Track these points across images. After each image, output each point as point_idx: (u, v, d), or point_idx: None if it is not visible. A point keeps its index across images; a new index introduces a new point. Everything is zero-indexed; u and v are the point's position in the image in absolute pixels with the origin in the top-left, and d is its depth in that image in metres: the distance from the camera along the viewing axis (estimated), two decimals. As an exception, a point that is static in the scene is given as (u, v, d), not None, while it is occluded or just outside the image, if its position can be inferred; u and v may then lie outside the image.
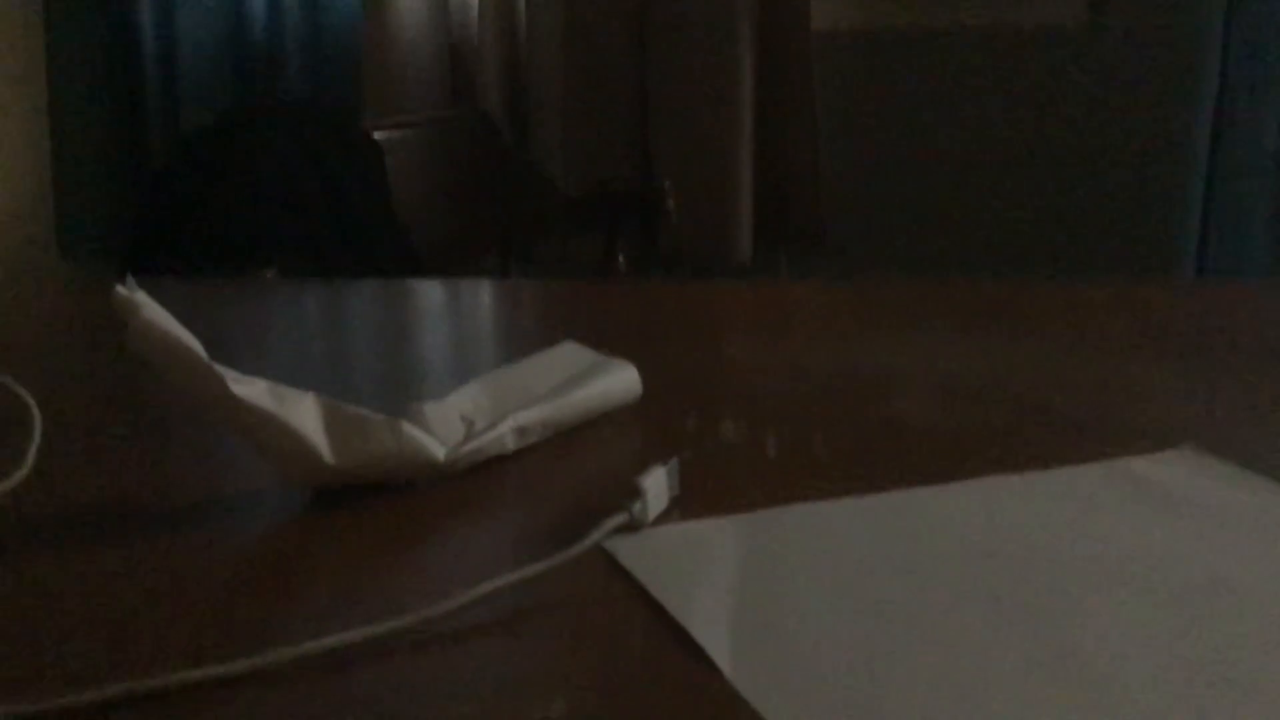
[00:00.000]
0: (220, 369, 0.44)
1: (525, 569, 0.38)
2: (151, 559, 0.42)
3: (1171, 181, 2.23)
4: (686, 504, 0.46)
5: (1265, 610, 0.38)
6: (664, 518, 0.45)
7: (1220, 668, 0.34)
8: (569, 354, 0.57)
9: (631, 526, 0.43)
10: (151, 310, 0.43)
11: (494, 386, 0.53)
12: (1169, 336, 0.69)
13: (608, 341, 0.66)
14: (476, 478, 0.48)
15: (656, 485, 0.45)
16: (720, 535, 0.43)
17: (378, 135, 1.52)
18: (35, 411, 0.50)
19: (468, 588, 0.37)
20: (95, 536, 0.43)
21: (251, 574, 0.40)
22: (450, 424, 0.50)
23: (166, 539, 0.43)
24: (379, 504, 0.46)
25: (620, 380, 0.56)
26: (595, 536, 0.41)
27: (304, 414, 0.45)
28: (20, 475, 0.47)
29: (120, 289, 0.43)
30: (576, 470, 0.50)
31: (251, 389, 0.44)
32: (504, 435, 0.50)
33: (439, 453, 0.47)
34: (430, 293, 0.84)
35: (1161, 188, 2.24)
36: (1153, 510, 0.45)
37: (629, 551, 0.42)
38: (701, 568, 0.40)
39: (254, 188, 1.35)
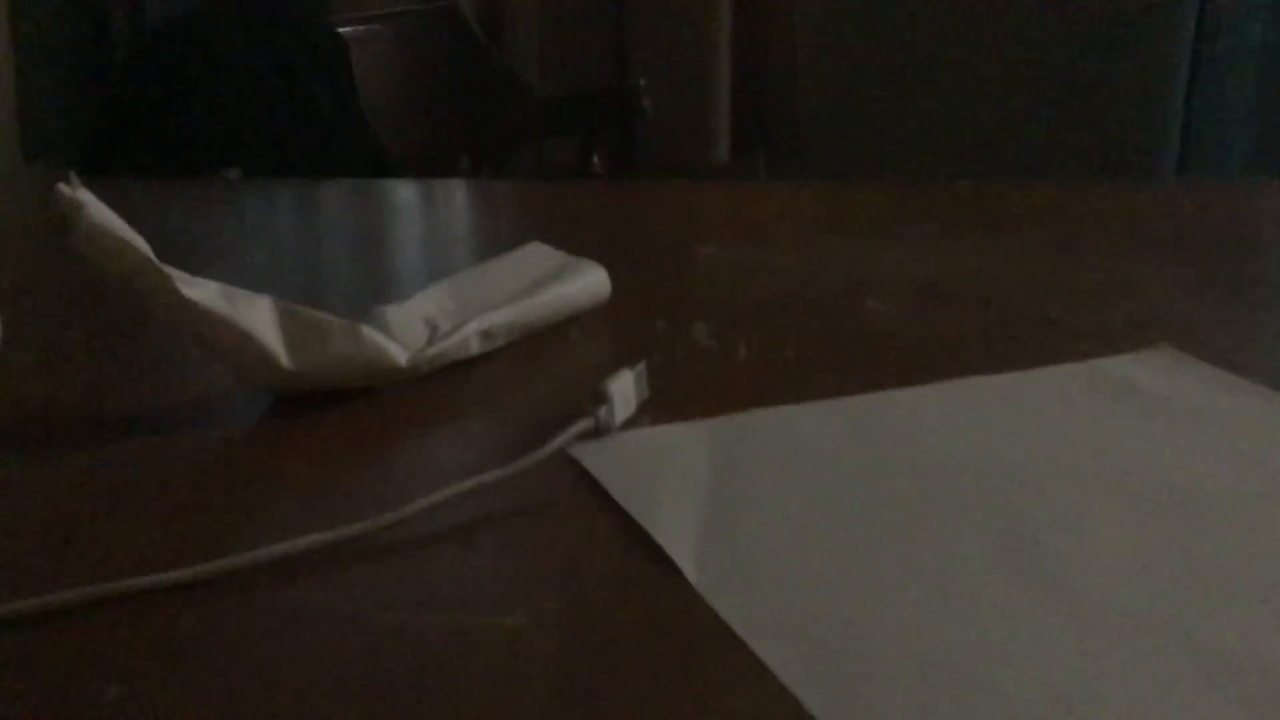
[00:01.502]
0: (170, 270, 0.42)
1: (486, 474, 0.37)
2: (106, 465, 0.40)
3: (1155, 76, 2.20)
4: (655, 409, 0.45)
5: (1237, 510, 0.37)
6: (632, 423, 0.44)
7: (1192, 567, 0.34)
8: (536, 254, 0.56)
9: (597, 432, 0.42)
10: (96, 209, 0.41)
11: (458, 288, 0.52)
12: (1144, 236, 0.68)
13: (578, 243, 0.64)
14: (440, 382, 0.47)
15: (623, 390, 0.44)
16: (687, 440, 0.42)
17: (344, 31, 1.48)
18: None
19: (429, 494, 0.36)
20: (50, 441, 0.42)
21: (207, 481, 0.39)
22: (413, 327, 0.48)
23: (121, 445, 0.42)
24: (339, 409, 0.45)
25: (589, 282, 0.54)
26: (558, 442, 0.40)
27: (259, 317, 0.44)
28: (-31, 381, 0.46)
29: (63, 187, 0.41)
30: (543, 375, 0.49)
31: (202, 291, 0.43)
32: (468, 338, 0.48)
33: (400, 357, 0.46)
34: (399, 193, 0.82)
35: (1145, 82, 2.21)
36: (1127, 410, 0.44)
37: (594, 457, 0.41)
38: (667, 473, 0.40)
39: (217, 86, 1.31)
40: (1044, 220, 0.72)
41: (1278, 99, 2.15)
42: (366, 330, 0.45)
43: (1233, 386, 0.46)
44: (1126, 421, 0.44)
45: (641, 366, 0.45)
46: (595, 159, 1.68)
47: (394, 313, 0.49)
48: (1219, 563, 0.34)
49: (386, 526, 0.36)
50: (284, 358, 0.44)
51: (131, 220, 0.43)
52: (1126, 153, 2.25)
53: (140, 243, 0.42)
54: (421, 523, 0.37)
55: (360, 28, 1.52)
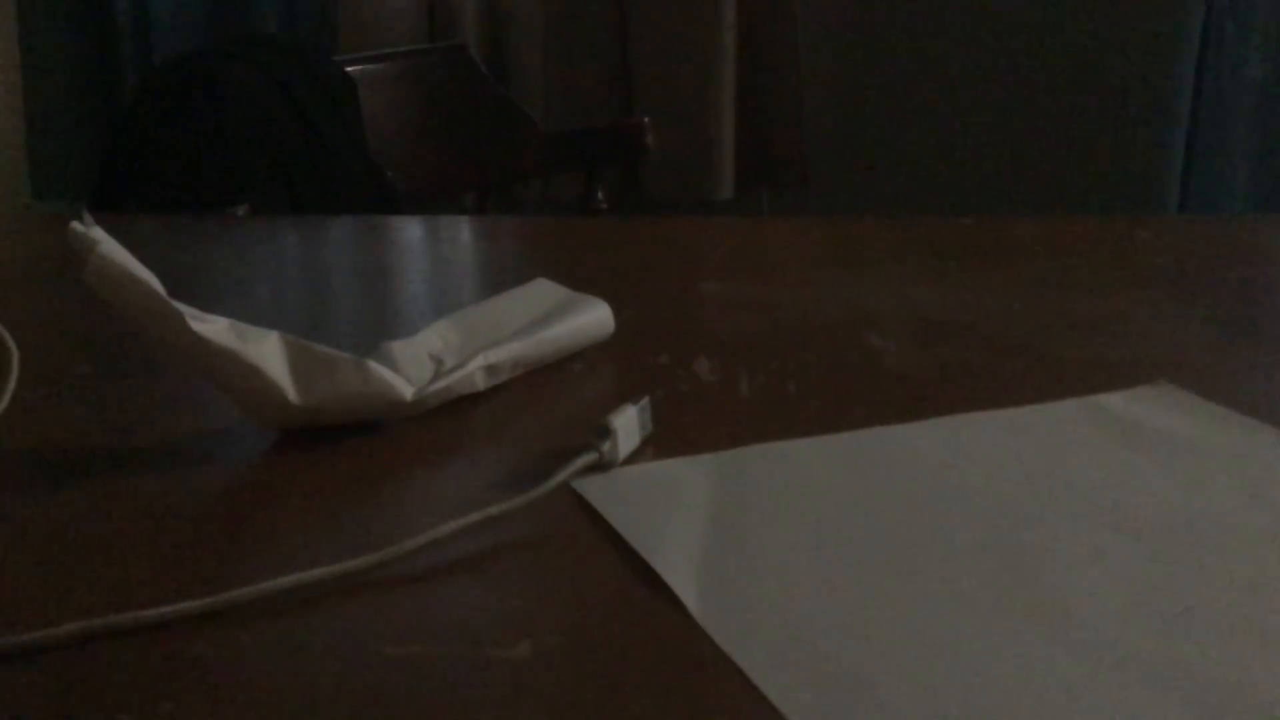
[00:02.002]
0: (180, 306, 0.43)
1: (491, 508, 0.38)
2: (116, 498, 0.41)
3: (1155, 114, 2.22)
4: (658, 443, 0.45)
5: (1236, 546, 0.37)
6: (635, 457, 0.44)
7: (1191, 603, 0.34)
8: (541, 291, 0.57)
9: (601, 466, 0.43)
10: (108, 246, 0.42)
11: (464, 324, 0.53)
12: (1147, 272, 0.68)
13: (583, 278, 0.65)
14: (445, 417, 0.48)
15: (627, 424, 0.44)
16: (690, 474, 0.43)
17: (351, 70, 1.49)
18: (13, 350, 0.49)
19: (433, 528, 0.37)
20: (63, 475, 0.43)
21: (215, 514, 0.40)
22: (419, 362, 0.49)
23: (130, 478, 0.42)
24: (345, 444, 0.45)
25: (593, 317, 0.55)
26: (563, 475, 0.40)
27: (268, 353, 0.44)
28: (-13, 415, 0.47)
29: (76, 225, 0.42)
30: (547, 409, 0.49)
31: (212, 327, 0.43)
32: (473, 374, 0.49)
33: (406, 392, 0.46)
34: (405, 230, 0.83)
35: (1145, 120, 2.22)
36: (1126, 446, 0.45)
37: (598, 491, 0.41)
38: (670, 507, 0.40)
39: (226, 124, 1.33)
40: (1045, 255, 0.72)
41: (1278, 133, 2.16)
42: (373, 365, 0.46)
43: (1233, 423, 0.47)
44: (1126, 457, 0.44)
45: (645, 401, 0.46)
46: (600, 194, 1.69)
47: (400, 348, 0.49)
48: (1219, 599, 0.35)
49: (391, 560, 0.36)
50: (292, 393, 0.44)
51: (141, 256, 0.43)
52: (1128, 188, 2.26)
53: (151, 279, 0.42)
54: (426, 555, 0.37)
55: (368, 66, 1.54)
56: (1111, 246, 0.74)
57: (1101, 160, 2.26)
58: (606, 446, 0.43)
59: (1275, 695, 0.30)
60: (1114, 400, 0.49)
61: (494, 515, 0.38)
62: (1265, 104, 2.16)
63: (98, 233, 0.42)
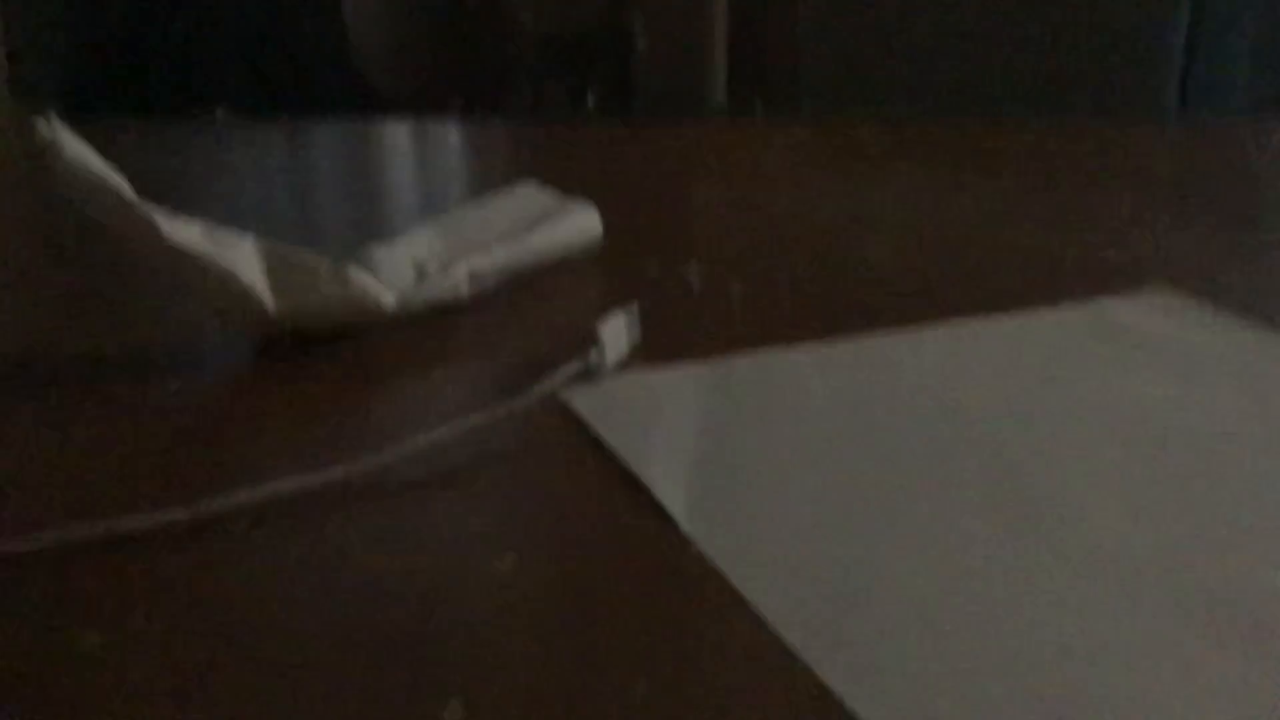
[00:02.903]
0: (151, 210, 0.41)
1: (474, 418, 0.37)
2: (87, 406, 0.40)
3: (1154, 17, 2.18)
4: (647, 352, 0.44)
5: (1238, 452, 0.37)
6: (623, 366, 0.43)
7: (1190, 511, 0.34)
8: (526, 195, 0.55)
9: (588, 375, 0.41)
10: (73, 149, 0.40)
11: (447, 228, 0.51)
12: (1149, 176, 0.67)
13: (571, 184, 0.64)
14: (428, 325, 0.47)
15: (615, 333, 0.43)
16: (679, 384, 0.42)
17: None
18: None
19: (416, 437, 0.36)
20: (30, 384, 0.42)
21: (190, 424, 0.39)
22: (400, 269, 0.48)
23: (103, 388, 0.41)
24: (325, 352, 0.44)
25: (580, 223, 0.53)
26: (548, 385, 0.39)
27: (243, 259, 0.43)
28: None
29: (41, 126, 0.40)
30: (533, 318, 0.48)
31: (185, 232, 0.42)
32: (457, 281, 0.48)
33: (388, 299, 0.45)
34: (389, 134, 0.81)
35: (1144, 23, 2.18)
36: (1124, 351, 0.44)
37: (585, 401, 0.40)
38: (659, 417, 0.39)
39: (204, 25, 1.29)
40: (1043, 159, 0.71)
41: (1277, 33, 2.12)
42: (354, 272, 0.45)
43: (1233, 327, 0.46)
44: (1123, 362, 0.43)
45: (633, 309, 0.44)
46: (590, 99, 1.66)
47: (381, 253, 0.48)
48: (1221, 505, 0.34)
49: (372, 470, 0.35)
50: (269, 299, 0.43)
51: (116, 162, 0.42)
52: (1128, 88, 2.22)
53: (120, 183, 0.41)
54: (409, 466, 0.36)
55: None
56: (1111, 151, 0.73)
57: (1101, 55, 2.23)
58: (594, 355, 0.41)
59: (1274, 604, 0.29)
60: (1114, 306, 0.48)
61: (477, 425, 0.37)
62: (1267, 3, 2.12)
63: (62, 134, 0.40)
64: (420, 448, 0.36)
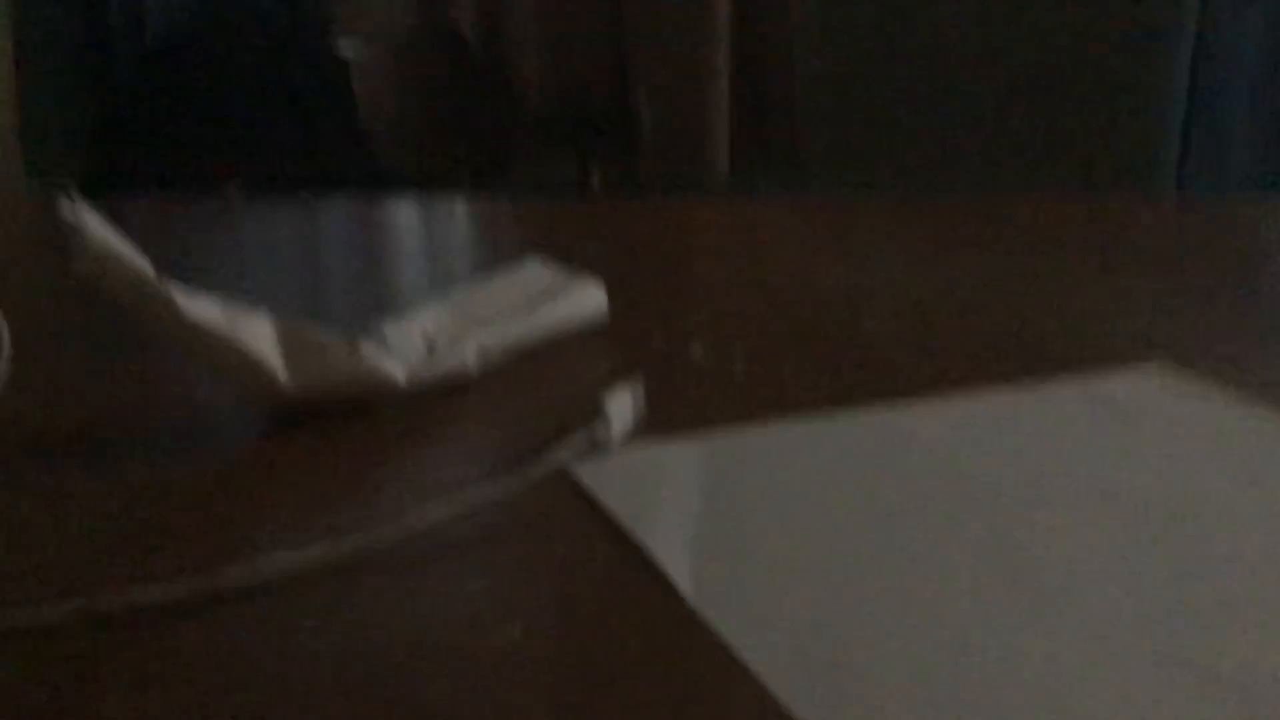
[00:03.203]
0: (170, 287, 0.42)
1: (482, 491, 0.38)
2: (106, 478, 0.41)
3: (1154, 91, 2.21)
4: (652, 425, 0.45)
5: (1230, 526, 0.37)
6: (628, 439, 0.44)
7: (1184, 586, 0.34)
8: (533, 272, 0.56)
9: (594, 448, 0.42)
10: (96, 228, 0.41)
11: (456, 305, 0.52)
12: (1144, 252, 0.68)
13: (576, 260, 0.65)
14: (437, 399, 0.48)
15: (620, 406, 0.44)
16: (684, 456, 0.42)
17: (344, 50, 1.49)
18: (5, 330, 0.49)
19: (425, 510, 0.37)
20: (54, 455, 0.42)
21: (206, 496, 0.40)
22: (411, 344, 0.49)
23: (121, 462, 0.42)
24: (337, 425, 0.45)
25: (586, 299, 0.55)
26: (555, 458, 0.40)
27: (258, 334, 0.44)
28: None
29: (64, 207, 0.42)
30: (540, 392, 0.49)
31: (203, 309, 0.43)
32: (466, 355, 0.49)
33: (399, 373, 0.46)
34: (398, 210, 0.82)
35: (1144, 98, 2.22)
36: (1120, 426, 0.45)
37: (591, 473, 0.41)
38: (664, 489, 0.40)
39: (219, 103, 1.32)
40: (1041, 235, 0.72)
41: (1276, 110, 2.16)
42: (365, 347, 0.46)
43: (1226, 403, 0.47)
44: (1122, 438, 0.44)
45: (638, 383, 0.45)
46: (594, 175, 1.68)
47: (392, 329, 0.49)
48: (1211, 578, 0.35)
49: (383, 542, 0.36)
50: (283, 374, 0.44)
51: (132, 238, 0.43)
52: (1125, 164, 2.25)
53: (140, 261, 0.42)
54: (418, 538, 0.37)
55: (361, 47, 1.53)
56: (1108, 228, 0.74)
57: (1099, 137, 2.26)
58: (600, 428, 0.42)
59: (1266, 672, 0.30)
60: (1109, 381, 0.49)
61: (485, 498, 0.38)
62: (1263, 83, 2.15)
63: (85, 214, 0.41)
64: (430, 520, 0.36)
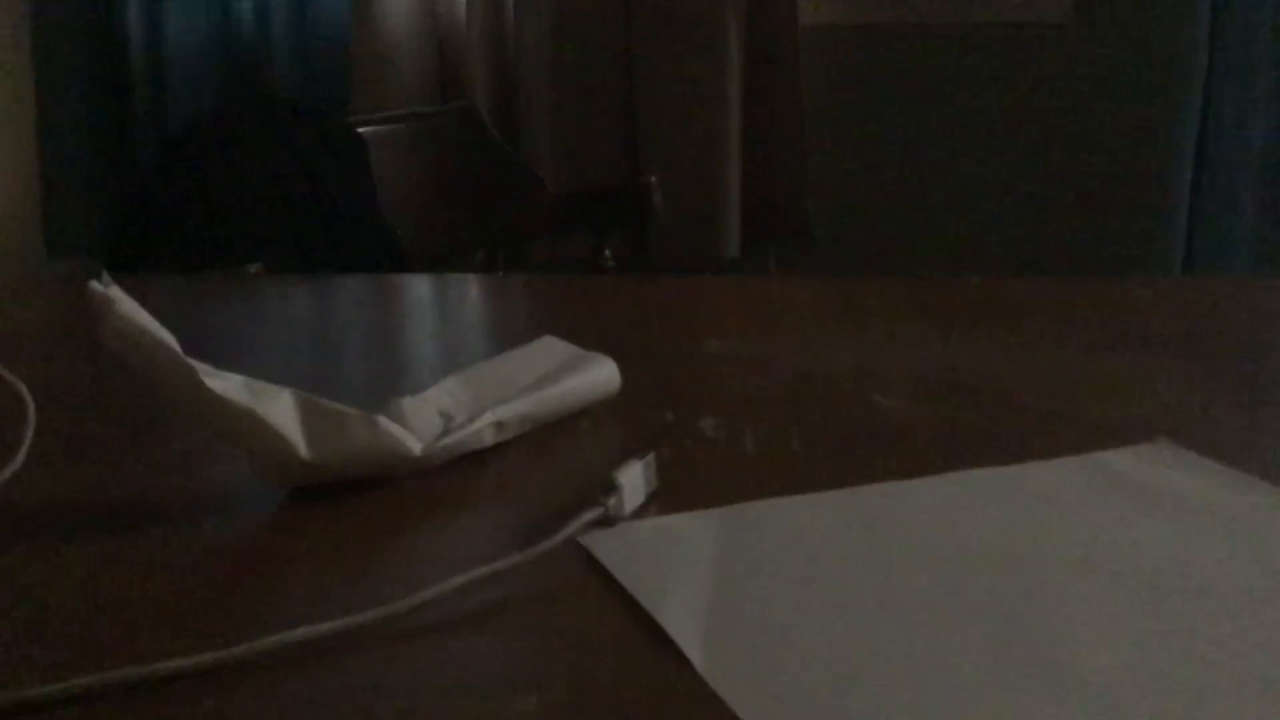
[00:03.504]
0: (195, 364, 0.44)
1: (498, 563, 0.38)
2: (127, 553, 0.41)
3: (1158, 179, 2.23)
4: (664, 499, 0.46)
5: (1236, 606, 0.38)
6: (641, 513, 0.45)
7: (1190, 664, 0.34)
8: (548, 348, 0.57)
9: (608, 521, 0.43)
10: (125, 305, 0.43)
11: (472, 381, 0.53)
12: (1149, 332, 0.69)
13: (590, 336, 0.66)
14: (454, 473, 0.48)
15: (633, 480, 0.45)
16: (696, 529, 0.43)
17: (363, 131, 1.52)
18: (30, 405, 0.50)
19: (441, 581, 0.37)
20: (76, 531, 0.43)
21: (226, 570, 0.40)
22: (428, 419, 0.50)
23: (143, 533, 0.43)
24: (356, 499, 0.46)
25: (599, 375, 0.56)
26: (569, 530, 0.41)
27: (280, 409, 0.45)
28: (12, 469, 0.48)
29: (94, 285, 0.43)
30: (554, 465, 0.50)
31: (226, 384, 0.44)
32: (481, 430, 0.50)
33: (415, 448, 0.47)
34: (415, 288, 0.84)
35: (1148, 186, 2.24)
36: (1126, 504, 0.45)
37: (604, 546, 0.42)
38: (676, 562, 0.40)
39: (240, 185, 1.35)
40: (1049, 315, 0.73)
41: (1277, 202, 2.17)
42: (383, 421, 0.47)
43: (1232, 482, 0.47)
44: (1128, 516, 0.44)
45: (650, 457, 0.46)
46: (608, 254, 1.71)
47: (410, 404, 0.50)
48: (1217, 657, 0.35)
49: (398, 614, 0.36)
50: (303, 449, 0.45)
51: (156, 315, 0.44)
52: (1132, 249, 2.27)
53: (167, 337, 0.43)
54: (433, 610, 0.37)
55: (379, 127, 1.56)
56: (1114, 307, 0.75)
57: (1106, 221, 2.28)
58: (612, 502, 0.43)
59: (1274, 751, 0.30)
60: (1115, 458, 0.49)
61: (500, 570, 0.38)
62: (1268, 165, 2.17)
63: (115, 292, 0.43)
64: (444, 591, 0.37)
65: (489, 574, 0.38)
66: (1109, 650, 0.35)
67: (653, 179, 1.71)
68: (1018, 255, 2.31)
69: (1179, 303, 0.76)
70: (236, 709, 0.32)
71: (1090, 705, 0.32)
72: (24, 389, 0.52)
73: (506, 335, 0.70)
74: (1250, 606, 0.38)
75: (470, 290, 0.84)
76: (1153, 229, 2.26)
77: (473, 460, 0.50)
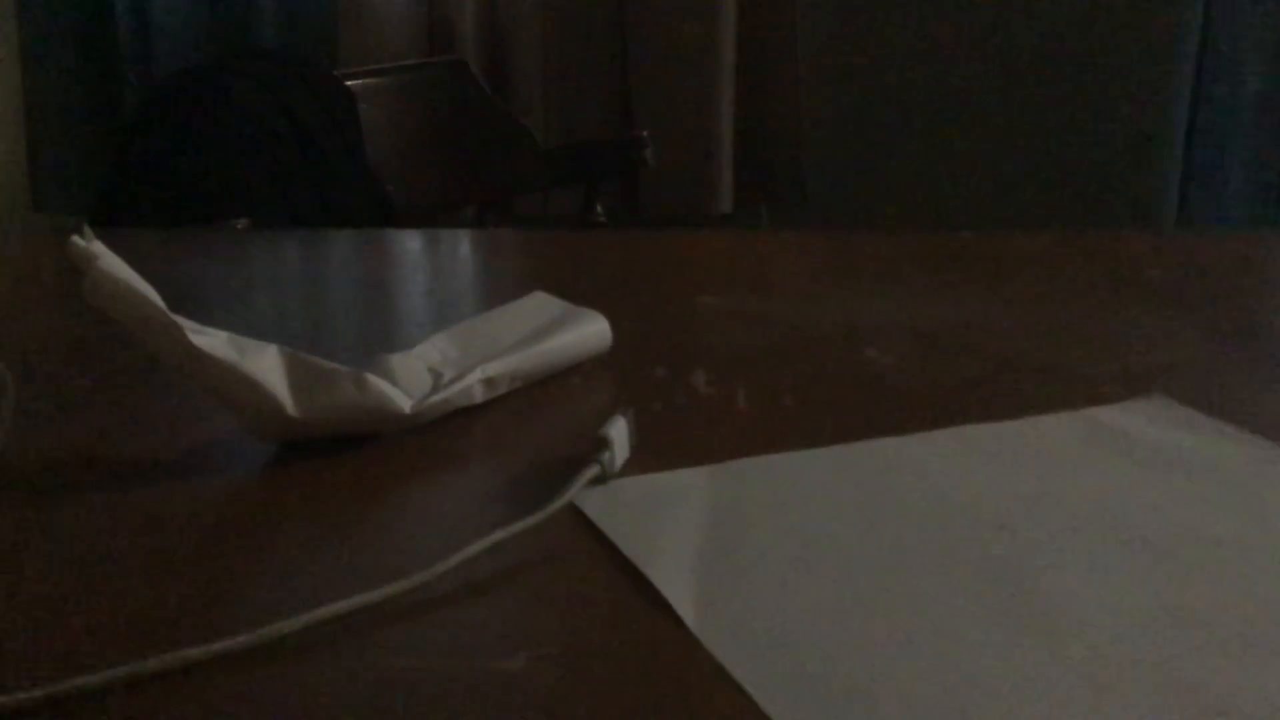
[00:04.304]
0: (180, 320, 0.43)
1: (498, 533, 0.37)
2: (115, 512, 0.41)
3: (1154, 128, 2.22)
4: (655, 455, 0.46)
5: (1231, 558, 0.38)
6: (630, 468, 0.44)
7: (1186, 617, 0.34)
8: (539, 304, 0.57)
9: (599, 479, 0.43)
10: (108, 260, 0.42)
11: (461, 337, 0.53)
12: (1144, 286, 0.69)
13: (581, 291, 0.65)
14: (443, 430, 0.48)
15: (620, 435, 0.44)
16: (687, 486, 0.43)
17: (351, 84, 1.50)
18: (8, 380, 0.49)
19: (436, 549, 0.37)
20: (63, 491, 0.43)
21: (215, 528, 0.40)
22: (417, 375, 0.49)
23: (132, 492, 0.43)
24: (344, 457, 0.46)
25: (590, 331, 0.55)
26: (571, 491, 0.40)
27: (266, 366, 0.44)
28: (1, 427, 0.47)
29: (76, 239, 0.42)
30: (545, 422, 0.49)
31: (212, 340, 0.43)
32: (471, 387, 0.49)
33: (404, 405, 0.47)
34: (404, 242, 0.83)
35: (1143, 134, 2.23)
36: (1121, 458, 0.45)
37: (595, 503, 0.41)
38: (667, 519, 0.40)
39: (227, 138, 1.33)
40: (1043, 269, 0.72)
41: (1276, 145, 2.17)
42: (371, 378, 0.46)
43: (1226, 435, 0.47)
44: (1122, 470, 0.44)
45: (631, 412, 0.46)
46: (599, 208, 1.69)
47: (398, 361, 0.49)
48: (1206, 608, 0.35)
49: (402, 592, 0.35)
50: (290, 406, 0.45)
51: (141, 270, 0.44)
52: (1126, 201, 2.26)
53: (151, 293, 0.43)
54: (423, 568, 0.37)
55: (368, 80, 1.55)
56: (1108, 260, 0.75)
57: (1100, 174, 2.27)
58: (605, 458, 0.43)
59: (1267, 704, 0.30)
60: (1110, 413, 0.49)
61: (503, 540, 0.37)
62: (1262, 118, 2.16)
63: (97, 247, 0.42)
64: (450, 566, 0.36)
65: (490, 546, 0.37)
66: (1104, 605, 0.35)
67: (644, 133, 1.70)
68: (1012, 209, 2.30)
69: (1175, 255, 0.76)
70: (219, 667, 0.32)
71: (1085, 660, 0.32)
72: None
73: (497, 291, 0.69)
74: (1243, 559, 0.37)
75: (460, 245, 0.83)
76: (1148, 182, 2.25)
77: (462, 417, 0.49)
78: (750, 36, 2.24)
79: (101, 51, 2.42)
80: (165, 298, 0.43)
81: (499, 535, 0.37)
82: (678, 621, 0.34)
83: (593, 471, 0.42)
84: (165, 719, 0.30)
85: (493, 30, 2.32)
